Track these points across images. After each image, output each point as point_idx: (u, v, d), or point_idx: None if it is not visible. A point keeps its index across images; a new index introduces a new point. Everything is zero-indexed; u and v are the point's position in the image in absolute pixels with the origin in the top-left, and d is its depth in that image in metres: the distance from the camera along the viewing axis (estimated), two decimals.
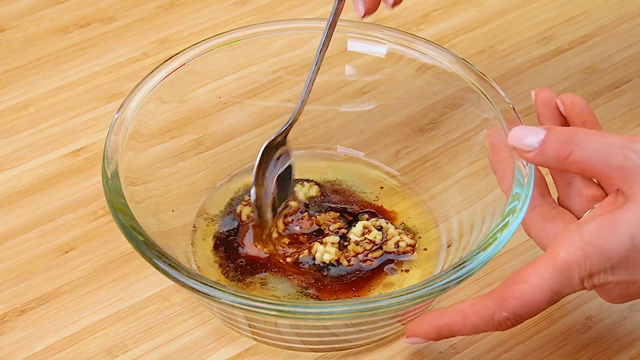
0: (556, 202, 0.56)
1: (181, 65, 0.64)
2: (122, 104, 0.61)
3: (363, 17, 0.57)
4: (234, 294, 0.51)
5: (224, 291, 0.51)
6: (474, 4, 0.84)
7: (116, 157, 0.58)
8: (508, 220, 0.54)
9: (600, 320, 0.61)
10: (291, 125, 0.62)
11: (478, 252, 0.53)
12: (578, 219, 0.54)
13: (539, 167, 0.56)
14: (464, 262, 0.53)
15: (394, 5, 0.57)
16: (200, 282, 0.52)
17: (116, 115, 0.60)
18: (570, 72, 0.78)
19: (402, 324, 0.56)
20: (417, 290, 0.52)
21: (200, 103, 0.66)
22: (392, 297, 0.51)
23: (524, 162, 0.56)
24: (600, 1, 0.85)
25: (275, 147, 0.62)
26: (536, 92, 0.56)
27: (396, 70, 0.67)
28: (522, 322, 0.51)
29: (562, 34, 0.82)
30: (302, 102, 0.62)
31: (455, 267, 0.53)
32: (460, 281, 0.52)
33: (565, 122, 0.56)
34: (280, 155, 0.63)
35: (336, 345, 0.59)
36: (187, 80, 0.64)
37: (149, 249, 0.53)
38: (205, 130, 0.67)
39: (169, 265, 0.52)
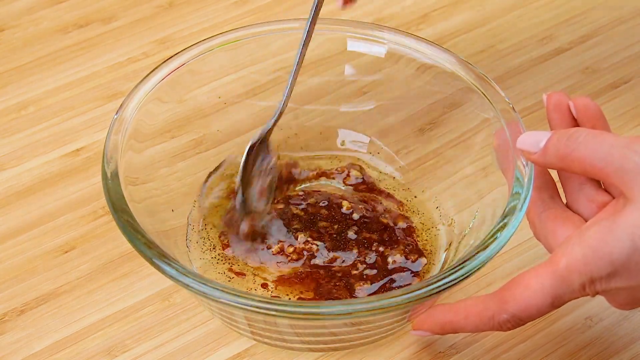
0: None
1: (181, 65, 0.64)
2: (121, 104, 0.61)
3: (343, 6, 0.58)
4: (234, 294, 0.51)
5: (224, 291, 0.51)
6: (474, 4, 0.84)
7: (116, 157, 0.58)
8: (508, 220, 0.54)
9: (600, 320, 0.61)
10: (273, 126, 0.62)
11: (478, 252, 0.53)
12: None
13: (549, 171, 0.56)
14: (463, 262, 0.53)
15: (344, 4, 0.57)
16: (200, 282, 0.52)
17: (116, 115, 0.60)
18: (570, 72, 0.78)
19: (408, 320, 0.56)
20: (416, 291, 0.52)
21: (200, 103, 0.66)
22: (392, 298, 0.51)
23: (524, 162, 0.56)
24: (600, 1, 0.85)
25: (258, 148, 0.62)
26: (547, 95, 0.56)
27: (396, 70, 0.67)
28: (522, 325, 0.51)
29: (562, 34, 0.82)
30: (284, 102, 0.62)
31: (455, 267, 0.53)
32: (460, 281, 0.52)
33: (575, 126, 0.56)
34: (263, 157, 0.63)
35: (336, 345, 0.59)
36: (186, 80, 0.64)
37: (149, 249, 0.53)
38: (205, 130, 0.67)
39: (169, 265, 0.52)
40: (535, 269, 0.50)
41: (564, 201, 0.55)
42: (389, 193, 0.66)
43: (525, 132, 0.54)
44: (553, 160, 0.51)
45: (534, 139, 0.52)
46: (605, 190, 0.54)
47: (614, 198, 0.53)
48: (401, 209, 0.65)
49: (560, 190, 0.56)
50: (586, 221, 0.53)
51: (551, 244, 0.54)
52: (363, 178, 0.67)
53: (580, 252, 0.49)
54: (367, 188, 0.66)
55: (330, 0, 0.84)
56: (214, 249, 0.63)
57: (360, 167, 0.67)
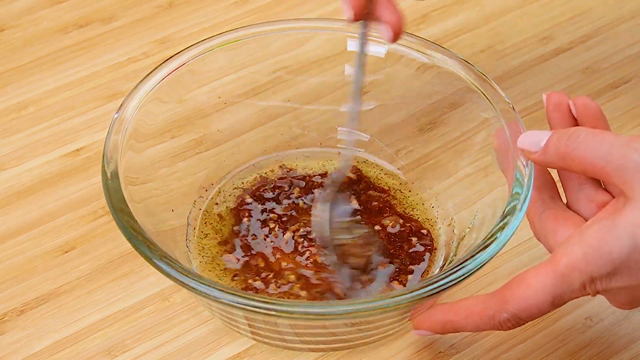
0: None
1: (181, 65, 0.64)
2: (121, 104, 0.61)
3: (352, 21, 0.58)
4: (233, 294, 0.51)
5: (223, 291, 0.51)
6: (474, 4, 0.84)
7: (116, 157, 0.58)
8: (507, 220, 0.54)
9: (600, 320, 0.61)
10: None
11: (478, 252, 0.53)
12: None
13: (549, 170, 0.55)
14: (463, 262, 0.53)
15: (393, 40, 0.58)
16: (200, 282, 0.52)
17: (116, 115, 0.60)
18: (570, 72, 0.78)
19: (409, 320, 0.56)
20: (416, 291, 0.52)
21: (200, 103, 0.66)
22: (392, 298, 0.51)
23: (524, 162, 0.56)
24: (600, 1, 0.85)
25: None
26: (547, 95, 0.56)
27: (396, 70, 0.67)
28: (523, 324, 0.51)
29: (562, 34, 0.82)
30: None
31: (455, 267, 0.53)
32: (460, 281, 0.52)
33: (576, 126, 0.56)
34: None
35: (336, 345, 0.59)
36: (186, 80, 0.64)
37: (148, 249, 0.53)
38: (205, 130, 0.67)
39: (169, 265, 0.52)
40: (536, 268, 0.50)
41: (564, 201, 0.55)
42: (388, 193, 0.66)
43: (525, 132, 0.54)
44: (553, 160, 0.51)
45: (534, 139, 0.52)
46: (605, 190, 0.54)
47: (614, 197, 0.53)
48: (401, 208, 0.65)
49: (561, 190, 0.56)
50: (586, 221, 0.53)
51: (551, 244, 0.54)
52: (359, 178, 0.67)
53: (581, 251, 0.49)
54: (363, 188, 0.66)
55: (329, 0, 0.84)
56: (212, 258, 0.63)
57: (356, 168, 0.67)
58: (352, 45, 0.67)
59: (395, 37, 0.58)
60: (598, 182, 0.54)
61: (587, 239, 0.49)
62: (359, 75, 0.60)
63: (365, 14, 0.58)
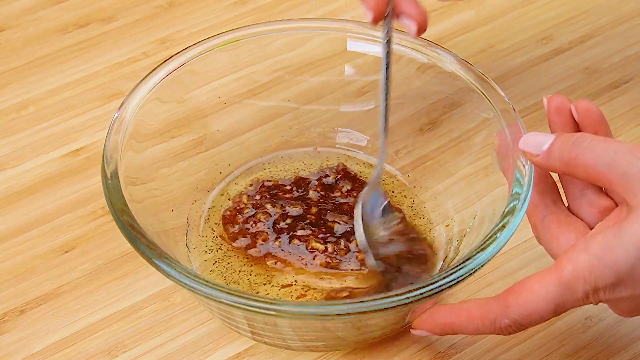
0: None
1: (181, 65, 0.64)
2: (121, 104, 0.61)
3: (373, 23, 0.59)
4: (234, 294, 0.51)
5: (223, 291, 0.51)
6: (474, 4, 0.84)
7: (116, 157, 0.58)
8: (507, 220, 0.54)
9: (600, 320, 0.61)
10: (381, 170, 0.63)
11: (478, 252, 0.53)
12: (591, 229, 0.53)
13: (551, 174, 0.55)
14: (463, 262, 0.53)
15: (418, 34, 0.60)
16: (201, 282, 0.52)
17: (116, 115, 0.60)
18: (570, 72, 0.78)
19: (409, 320, 0.56)
20: (416, 291, 0.52)
21: (200, 103, 0.66)
22: (391, 298, 0.51)
23: (524, 162, 0.56)
24: (600, 1, 0.85)
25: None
26: (548, 98, 0.55)
27: (396, 70, 0.67)
28: (523, 330, 0.51)
29: (562, 34, 0.82)
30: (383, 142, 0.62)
31: (455, 267, 0.53)
32: (460, 281, 0.52)
33: (577, 130, 0.55)
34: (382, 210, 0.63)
35: (336, 345, 0.59)
36: (186, 80, 0.64)
37: (148, 249, 0.53)
38: (205, 130, 0.67)
39: (169, 265, 0.52)
40: (539, 275, 0.50)
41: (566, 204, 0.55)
42: (388, 193, 0.66)
43: (527, 133, 0.53)
44: (556, 164, 0.51)
45: (537, 141, 0.52)
46: (608, 195, 0.54)
47: (615, 203, 0.53)
48: (400, 209, 0.65)
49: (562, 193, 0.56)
50: (589, 226, 0.53)
51: (554, 249, 0.53)
52: (354, 177, 0.67)
53: (586, 260, 0.49)
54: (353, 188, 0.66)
55: (329, 0, 0.84)
56: (219, 248, 0.63)
57: (344, 166, 0.67)
58: (352, 45, 0.67)
59: (420, 31, 0.59)
60: (600, 187, 0.54)
61: (592, 248, 0.49)
62: (385, 80, 0.61)
63: (384, 15, 0.58)
